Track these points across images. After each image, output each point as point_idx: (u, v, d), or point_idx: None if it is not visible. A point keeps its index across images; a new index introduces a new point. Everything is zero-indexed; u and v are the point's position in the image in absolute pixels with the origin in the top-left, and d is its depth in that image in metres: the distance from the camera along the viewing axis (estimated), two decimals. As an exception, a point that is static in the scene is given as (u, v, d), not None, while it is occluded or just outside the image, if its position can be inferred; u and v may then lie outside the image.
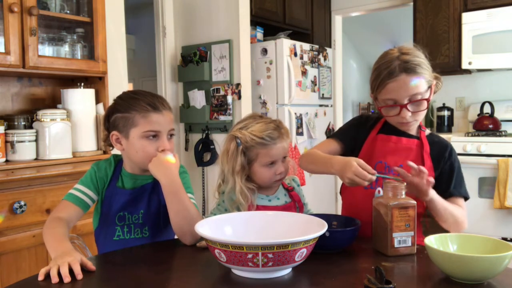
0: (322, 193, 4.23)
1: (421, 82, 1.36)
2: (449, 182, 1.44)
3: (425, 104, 1.38)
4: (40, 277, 1.05)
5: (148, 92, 1.43)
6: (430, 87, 1.40)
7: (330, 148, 1.49)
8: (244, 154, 1.43)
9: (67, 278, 1.03)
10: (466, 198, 1.45)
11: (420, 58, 1.38)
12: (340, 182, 1.49)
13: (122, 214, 1.42)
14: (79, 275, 1.05)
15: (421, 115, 1.41)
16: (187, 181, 1.46)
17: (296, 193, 1.53)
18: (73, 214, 1.37)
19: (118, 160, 1.48)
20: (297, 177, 1.63)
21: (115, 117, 1.40)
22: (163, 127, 1.37)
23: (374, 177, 1.24)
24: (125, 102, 1.39)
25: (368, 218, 1.30)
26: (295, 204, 1.50)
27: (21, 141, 2.23)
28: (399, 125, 1.43)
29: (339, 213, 1.63)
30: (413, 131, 1.48)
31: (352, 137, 1.51)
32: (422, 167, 1.25)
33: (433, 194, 1.30)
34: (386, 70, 1.36)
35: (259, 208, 1.45)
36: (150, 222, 1.44)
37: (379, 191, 1.33)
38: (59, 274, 1.04)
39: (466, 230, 1.39)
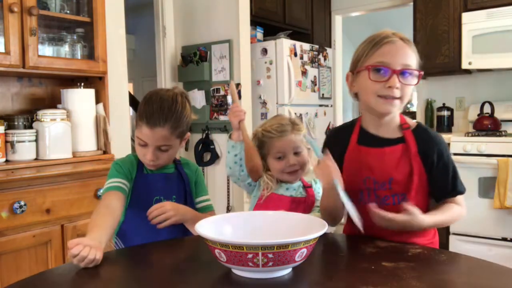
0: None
1: (414, 57, 1.29)
2: (445, 186, 1.34)
3: (416, 79, 1.27)
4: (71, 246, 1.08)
5: (160, 99, 1.45)
6: (418, 74, 1.31)
7: None
8: (259, 149, 1.56)
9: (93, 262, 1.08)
10: (463, 192, 1.36)
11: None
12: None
13: (158, 198, 1.48)
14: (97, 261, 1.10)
15: (406, 96, 1.28)
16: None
17: (312, 190, 1.58)
18: (121, 199, 1.40)
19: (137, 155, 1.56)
20: None
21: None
22: (150, 141, 1.44)
23: None
24: (140, 104, 1.49)
25: (370, 222, 1.28)
26: (306, 200, 1.54)
27: (21, 141, 2.23)
28: (380, 102, 1.28)
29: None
30: (392, 129, 1.35)
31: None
32: (410, 208, 1.20)
33: (427, 222, 1.25)
34: (380, 37, 1.29)
35: (273, 196, 1.53)
36: None
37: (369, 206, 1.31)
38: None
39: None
